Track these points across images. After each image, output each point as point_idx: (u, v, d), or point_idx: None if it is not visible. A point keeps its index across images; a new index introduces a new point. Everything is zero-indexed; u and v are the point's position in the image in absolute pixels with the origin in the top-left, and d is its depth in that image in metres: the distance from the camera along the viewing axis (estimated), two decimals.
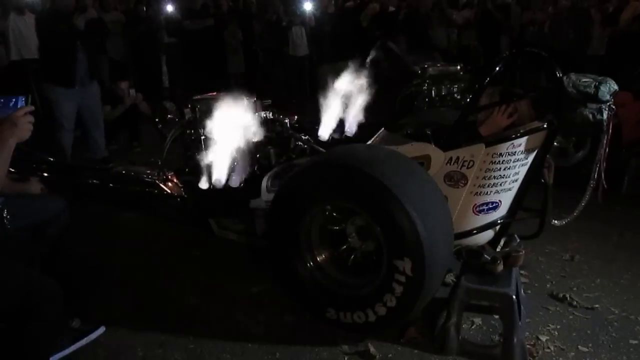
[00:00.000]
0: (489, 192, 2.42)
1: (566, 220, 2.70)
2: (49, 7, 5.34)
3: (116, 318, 2.63)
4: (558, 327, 2.52)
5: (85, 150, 5.27)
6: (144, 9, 8.50)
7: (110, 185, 3.40)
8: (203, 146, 3.11)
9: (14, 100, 1.92)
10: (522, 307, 2.39)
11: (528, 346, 2.32)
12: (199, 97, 3.24)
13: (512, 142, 2.33)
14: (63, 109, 4.89)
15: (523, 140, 2.34)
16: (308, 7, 7.07)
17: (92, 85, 5.06)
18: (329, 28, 6.16)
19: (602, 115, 2.36)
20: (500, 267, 2.37)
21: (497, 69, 2.44)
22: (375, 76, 3.16)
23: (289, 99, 7.29)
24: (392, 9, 8.39)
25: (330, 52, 6.21)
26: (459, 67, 4.70)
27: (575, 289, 2.85)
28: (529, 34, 7.82)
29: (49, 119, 4.95)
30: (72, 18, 4.69)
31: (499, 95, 2.58)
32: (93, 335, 2.48)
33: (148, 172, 3.36)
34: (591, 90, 2.30)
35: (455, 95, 4.49)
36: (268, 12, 9.18)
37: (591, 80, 2.34)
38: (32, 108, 1.92)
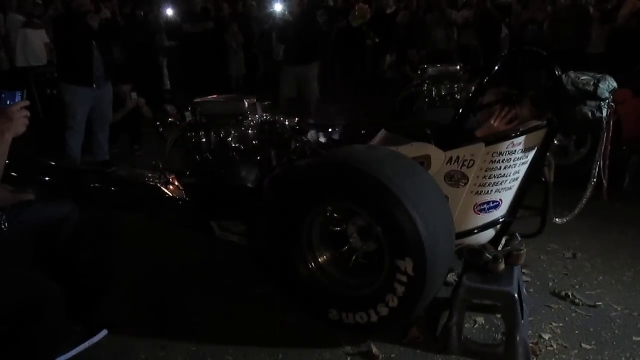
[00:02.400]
0: (489, 192, 2.42)
1: (568, 219, 2.70)
2: (64, 8, 5.43)
3: (118, 321, 2.63)
4: (561, 325, 2.51)
5: (87, 153, 5.29)
6: (142, 14, 8.52)
7: (112, 188, 3.40)
8: (204, 149, 3.11)
9: (10, 95, 1.94)
10: (524, 305, 2.39)
11: (531, 345, 2.32)
12: (199, 100, 3.25)
13: (512, 141, 2.33)
14: (77, 111, 4.95)
15: (523, 139, 2.34)
16: (279, 9, 6.94)
17: (107, 86, 5.14)
18: (292, 30, 6.15)
19: (601, 112, 2.36)
20: (502, 266, 2.38)
21: (496, 68, 2.45)
22: None
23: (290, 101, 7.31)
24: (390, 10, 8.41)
25: (294, 54, 6.21)
26: (458, 67, 4.70)
27: (577, 287, 2.85)
28: (529, 33, 7.82)
29: (60, 121, 5.02)
30: (87, 18, 4.77)
31: (499, 95, 2.58)
32: (95, 339, 2.48)
33: (149, 175, 3.36)
34: (590, 88, 2.30)
35: (456, 95, 4.49)
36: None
37: (590, 78, 2.34)
38: (28, 103, 1.94)
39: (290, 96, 6.12)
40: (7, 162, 2.05)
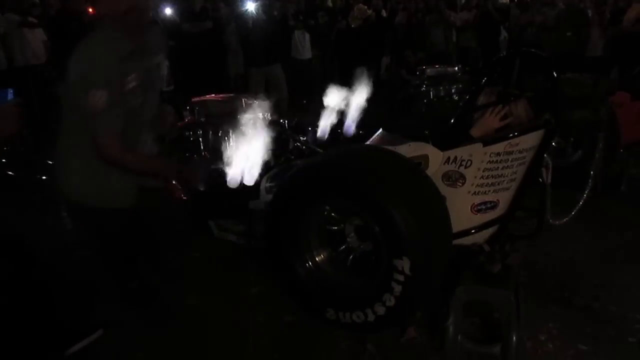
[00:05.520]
0: (487, 192, 2.42)
1: (565, 220, 2.70)
2: (59, 8, 5.43)
3: (114, 320, 2.62)
4: (557, 325, 2.52)
5: None
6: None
7: None
8: (202, 148, 3.12)
9: (0, 92, 1.92)
10: (520, 306, 2.40)
11: (527, 345, 2.32)
12: (197, 99, 3.25)
13: (509, 141, 2.34)
14: None
15: (520, 140, 2.35)
16: (250, 7, 6.85)
17: None
18: (257, 31, 6.20)
19: (599, 115, 2.37)
20: (499, 266, 2.38)
21: (495, 69, 2.46)
22: None
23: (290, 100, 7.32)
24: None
25: (260, 55, 6.24)
26: (457, 69, 4.72)
27: (573, 288, 2.86)
28: (527, 36, 7.85)
29: (57, 120, 5.01)
30: (82, 17, 4.78)
31: (496, 95, 2.59)
32: (91, 337, 2.48)
33: None
34: (588, 90, 2.31)
35: (454, 96, 4.50)
36: None
37: (588, 80, 2.35)
38: (20, 100, 1.93)
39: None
40: (4, 160, 2.06)
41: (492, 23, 8.13)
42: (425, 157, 2.44)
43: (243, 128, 2.98)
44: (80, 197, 2.09)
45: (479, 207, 2.45)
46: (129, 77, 1.96)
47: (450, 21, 8.23)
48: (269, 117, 3.13)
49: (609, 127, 3.46)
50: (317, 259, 2.51)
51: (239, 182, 2.99)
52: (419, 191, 2.22)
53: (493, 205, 2.46)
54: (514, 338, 2.22)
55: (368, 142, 2.83)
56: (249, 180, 2.95)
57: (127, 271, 2.31)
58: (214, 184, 3.00)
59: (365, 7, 7.94)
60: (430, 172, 2.41)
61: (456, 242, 2.42)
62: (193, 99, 3.27)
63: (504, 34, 8.49)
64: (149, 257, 2.39)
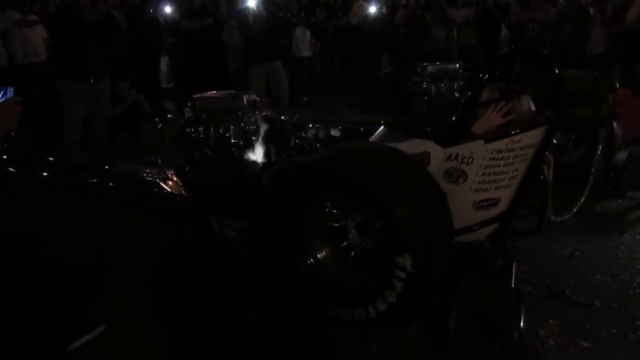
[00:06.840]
0: (488, 189, 2.42)
1: (565, 217, 2.71)
2: (58, 4, 5.43)
3: (116, 317, 2.62)
4: (558, 322, 2.53)
5: (85, 149, 5.28)
6: (150, 10, 8.46)
7: (111, 184, 3.40)
8: (203, 145, 3.11)
9: (1, 91, 1.92)
10: (521, 302, 2.40)
11: (528, 341, 2.32)
12: (198, 95, 3.24)
13: (511, 138, 2.33)
14: (75, 106, 4.95)
15: (522, 137, 2.34)
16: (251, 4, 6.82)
17: (104, 81, 5.13)
18: (257, 28, 6.20)
19: (600, 112, 2.37)
20: (500, 263, 2.38)
21: (496, 66, 2.45)
22: None
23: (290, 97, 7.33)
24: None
25: (261, 52, 6.26)
26: (458, 66, 4.72)
27: (574, 284, 2.86)
28: (528, 33, 7.85)
29: (58, 117, 5.03)
30: (83, 13, 4.77)
31: (498, 92, 2.59)
32: (93, 334, 2.48)
33: (148, 171, 3.36)
34: (590, 87, 2.31)
35: (455, 93, 4.50)
36: None
37: (590, 77, 2.35)
38: (20, 98, 1.92)
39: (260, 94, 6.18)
40: (5, 157, 2.05)
41: (493, 20, 8.13)
42: (427, 154, 2.43)
43: (244, 125, 2.98)
44: None
45: (480, 204, 2.45)
46: None
47: (450, 18, 8.23)
48: (270, 114, 3.13)
49: (610, 124, 3.47)
50: (318, 256, 2.51)
51: (240, 178, 2.99)
52: (421, 188, 2.22)
53: (494, 202, 2.46)
54: (515, 334, 2.22)
55: (370, 139, 2.83)
56: (251, 177, 2.95)
57: None
58: (216, 180, 3.01)
59: (365, 3, 7.94)
60: (431, 169, 2.41)
61: (457, 238, 2.42)
62: (194, 96, 3.26)
63: (504, 30, 8.48)
64: None
